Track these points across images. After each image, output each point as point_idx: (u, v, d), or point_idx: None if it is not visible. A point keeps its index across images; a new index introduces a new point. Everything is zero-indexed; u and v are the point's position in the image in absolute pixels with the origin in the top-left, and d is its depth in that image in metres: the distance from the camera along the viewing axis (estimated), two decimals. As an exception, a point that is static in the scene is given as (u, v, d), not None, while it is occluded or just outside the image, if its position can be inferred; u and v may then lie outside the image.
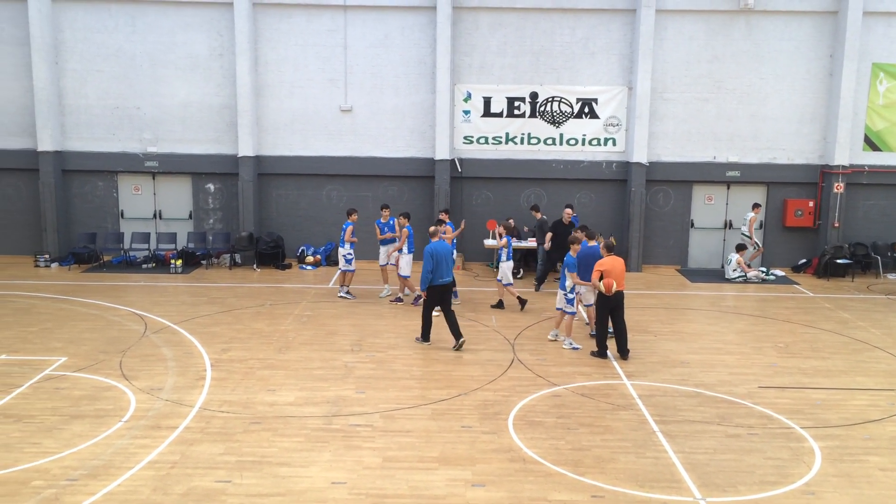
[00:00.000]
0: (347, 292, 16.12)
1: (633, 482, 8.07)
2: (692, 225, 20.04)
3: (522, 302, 15.26)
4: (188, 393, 10.44)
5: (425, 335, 12.95)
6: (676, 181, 19.70)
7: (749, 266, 18.66)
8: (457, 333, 12.68)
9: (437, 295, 12.89)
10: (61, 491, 7.68)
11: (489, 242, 18.95)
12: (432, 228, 13.73)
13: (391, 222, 16.42)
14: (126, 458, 8.44)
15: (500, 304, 15.39)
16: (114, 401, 10.12)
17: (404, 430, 9.34)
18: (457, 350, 12.56)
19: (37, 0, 18.55)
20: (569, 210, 17.40)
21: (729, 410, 10.16)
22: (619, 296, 12.08)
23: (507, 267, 15.25)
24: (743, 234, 19.17)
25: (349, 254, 16.00)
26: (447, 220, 15.86)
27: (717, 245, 20.06)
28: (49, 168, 19.26)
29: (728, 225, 20.01)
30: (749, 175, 19.58)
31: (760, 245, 19.21)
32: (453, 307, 15.22)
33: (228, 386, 10.74)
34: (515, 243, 18.63)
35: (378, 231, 16.37)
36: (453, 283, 13.59)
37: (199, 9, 19.10)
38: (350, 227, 15.94)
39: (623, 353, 12.21)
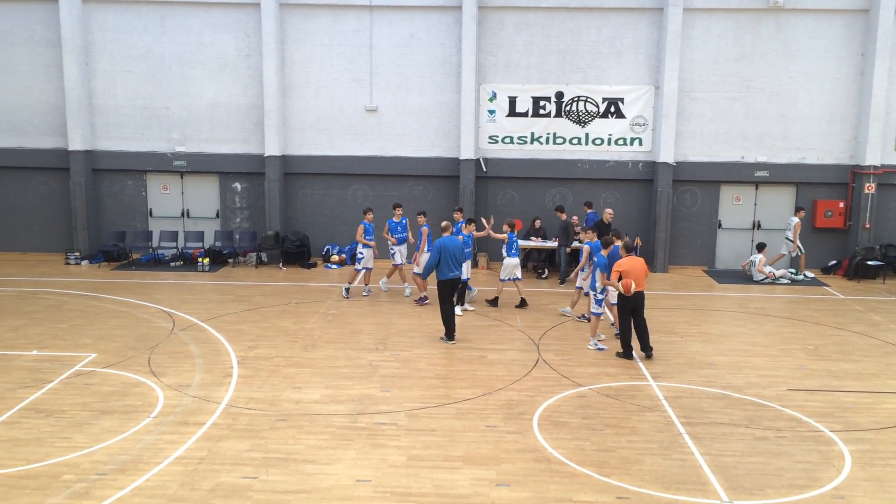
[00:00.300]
0: (346, 290, 16.10)
1: (659, 484, 8.01)
2: (720, 225, 19.85)
3: (495, 301, 15.42)
4: (215, 390, 10.54)
5: (449, 334, 12.98)
6: (704, 181, 19.52)
7: (795, 268, 18.54)
8: (451, 334, 13.04)
9: (449, 289, 13.05)
10: (91, 485, 7.79)
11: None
12: (444, 223, 13.86)
13: (403, 222, 16.41)
14: (154, 453, 8.54)
15: (522, 303, 15.37)
16: (142, 397, 10.24)
17: (429, 428, 9.35)
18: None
19: (67, 2, 18.84)
20: (609, 210, 17.66)
21: (757, 413, 10.05)
22: (640, 296, 12.00)
23: (507, 263, 15.22)
24: (787, 238, 18.81)
25: (360, 253, 16.01)
26: (461, 219, 15.75)
27: (745, 246, 19.83)
28: (80, 167, 19.55)
29: (756, 226, 19.79)
30: (778, 175, 19.35)
31: (803, 250, 18.83)
32: (471, 302, 15.36)
33: (255, 383, 10.83)
34: (540, 243, 18.65)
35: (387, 229, 16.31)
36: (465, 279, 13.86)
37: (226, 10, 19.28)
38: (361, 227, 15.94)
39: (646, 351, 12.15)
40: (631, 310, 12.05)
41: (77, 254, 19.48)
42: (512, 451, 8.73)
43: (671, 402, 10.32)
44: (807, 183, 19.42)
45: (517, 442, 8.99)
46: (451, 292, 13.10)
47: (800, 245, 18.66)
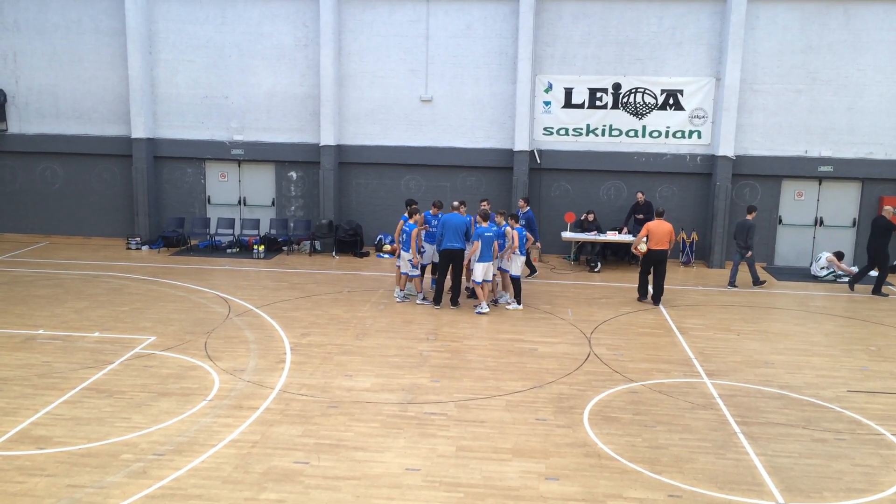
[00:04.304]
0: (405, 296, 15.12)
1: (713, 483, 7.87)
2: (780, 221, 19.36)
3: (468, 290, 15.21)
4: (269, 375, 10.71)
5: (436, 300, 14.50)
6: (764, 176, 19.05)
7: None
8: (439, 298, 14.47)
9: (445, 259, 14.31)
10: (149, 465, 7.99)
11: (566, 235, 18.73)
12: (455, 203, 14.95)
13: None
14: (210, 435, 8.72)
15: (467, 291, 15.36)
16: (199, 380, 10.47)
17: (478, 420, 9.35)
18: (431, 304, 14.57)
19: (133, -8, 19.32)
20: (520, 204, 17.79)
21: (815, 414, 9.79)
22: (660, 254, 14.77)
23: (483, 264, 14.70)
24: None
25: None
26: (465, 212, 14.91)
27: (806, 243, 19.32)
28: (142, 154, 20.03)
29: (819, 222, 19.24)
30: (843, 170, 18.76)
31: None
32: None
33: (307, 370, 10.97)
34: (593, 237, 18.42)
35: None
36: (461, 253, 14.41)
37: (285, 0, 19.48)
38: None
39: (656, 301, 14.98)
40: (653, 265, 14.90)
41: (138, 239, 19.99)
42: (562, 445, 8.67)
43: (726, 401, 10.12)
44: (873, 179, 18.79)
45: (567, 436, 8.93)
46: (447, 263, 14.31)
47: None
